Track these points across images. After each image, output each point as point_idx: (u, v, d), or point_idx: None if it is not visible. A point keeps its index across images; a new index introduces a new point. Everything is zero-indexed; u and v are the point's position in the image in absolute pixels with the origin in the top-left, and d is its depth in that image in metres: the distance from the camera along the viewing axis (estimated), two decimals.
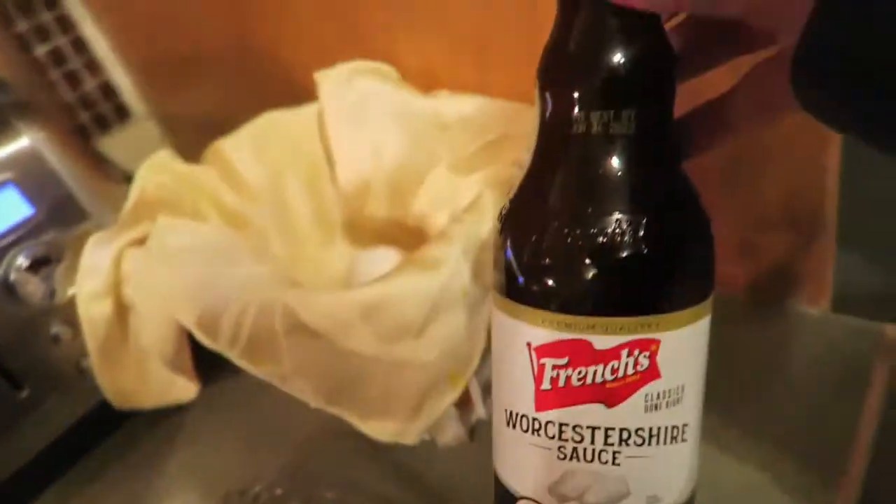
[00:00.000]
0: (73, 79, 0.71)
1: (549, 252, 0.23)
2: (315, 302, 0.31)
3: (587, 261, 0.22)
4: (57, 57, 0.69)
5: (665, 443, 0.24)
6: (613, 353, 0.23)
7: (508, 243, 0.24)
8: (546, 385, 0.24)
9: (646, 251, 0.22)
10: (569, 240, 0.23)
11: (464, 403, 0.38)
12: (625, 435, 0.24)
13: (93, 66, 0.72)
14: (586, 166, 0.23)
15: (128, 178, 0.47)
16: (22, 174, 0.42)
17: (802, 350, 0.40)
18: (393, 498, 0.38)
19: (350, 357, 0.32)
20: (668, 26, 0.24)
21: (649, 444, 0.24)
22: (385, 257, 0.47)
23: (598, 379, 0.23)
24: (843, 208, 0.39)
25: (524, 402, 0.25)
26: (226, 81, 0.65)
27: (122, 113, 0.73)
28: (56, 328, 0.43)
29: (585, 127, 0.23)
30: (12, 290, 0.41)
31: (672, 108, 0.24)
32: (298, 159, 0.51)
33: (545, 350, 0.24)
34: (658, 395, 0.24)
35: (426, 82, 0.47)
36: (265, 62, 0.60)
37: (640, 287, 0.23)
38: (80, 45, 0.71)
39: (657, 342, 0.23)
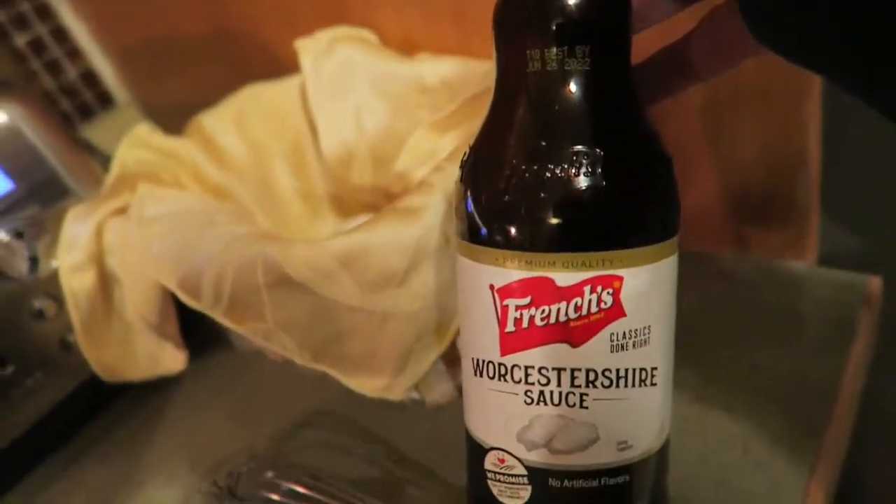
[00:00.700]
0: (54, 68, 0.70)
1: (507, 190, 0.23)
2: (295, 252, 0.31)
3: (544, 196, 0.22)
4: (37, 46, 0.69)
5: (633, 385, 0.24)
6: (576, 289, 0.23)
7: (469, 187, 0.24)
8: (510, 327, 0.24)
9: (605, 184, 0.22)
10: (526, 176, 0.23)
11: (452, 362, 0.38)
12: (591, 376, 0.24)
13: (73, 54, 0.71)
14: (543, 103, 0.23)
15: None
16: (0, 149, 0.41)
17: (788, 304, 0.40)
18: (383, 464, 0.37)
19: (334, 309, 0.31)
20: None
21: (617, 385, 0.24)
22: None
23: (562, 318, 0.23)
24: (827, 160, 0.39)
25: (489, 349, 0.25)
26: (207, 65, 0.65)
27: (104, 100, 0.73)
28: (39, 303, 0.42)
29: (541, 64, 0.23)
30: None
31: (628, 44, 0.24)
32: (281, 134, 0.51)
33: (508, 291, 0.24)
34: (624, 334, 0.23)
35: (406, 50, 0.47)
36: (245, 42, 0.59)
37: (600, 222, 0.23)
38: (60, 33, 0.70)
39: (620, 279, 0.23)
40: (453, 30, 0.46)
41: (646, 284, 0.23)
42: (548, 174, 0.22)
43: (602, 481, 0.25)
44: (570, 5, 0.22)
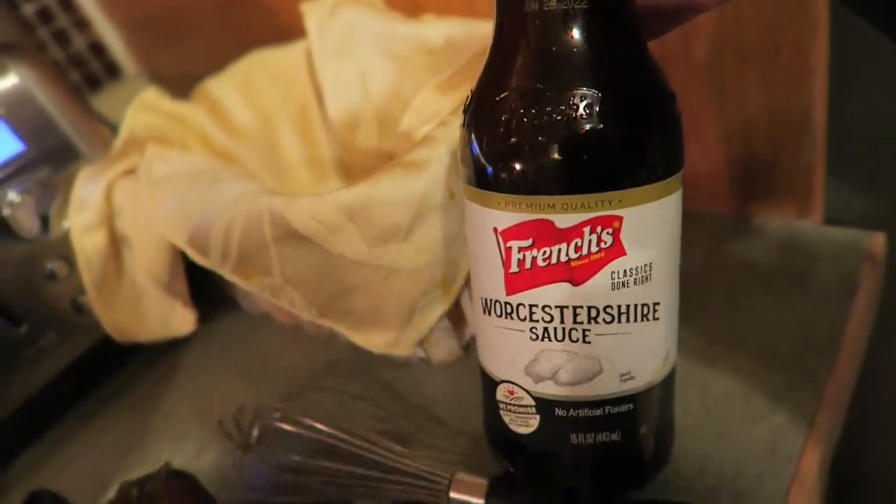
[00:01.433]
0: (61, 38, 0.70)
1: (506, 134, 0.23)
2: (301, 206, 0.31)
3: (542, 139, 0.22)
4: (45, 16, 0.69)
5: (636, 320, 0.25)
6: (576, 231, 0.23)
7: (472, 132, 0.25)
8: (514, 268, 0.25)
9: (601, 127, 0.22)
10: (524, 119, 0.23)
11: (458, 321, 0.38)
12: (593, 313, 0.24)
13: (81, 24, 0.71)
14: (540, 44, 0.23)
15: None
16: (11, 111, 0.42)
17: (792, 263, 0.40)
18: (391, 414, 0.38)
19: (340, 264, 0.32)
20: None
21: (619, 321, 0.24)
22: None
23: (563, 258, 0.24)
24: (832, 119, 0.39)
25: (496, 288, 0.26)
26: (214, 34, 0.65)
27: (112, 71, 0.73)
28: (51, 265, 0.43)
29: (538, 4, 0.22)
30: (6, 226, 0.41)
31: None
32: (287, 100, 0.51)
33: (510, 233, 0.24)
34: (624, 272, 0.24)
35: (411, 12, 0.47)
36: (252, 10, 0.59)
37: (597, 163, 0.23)
38: (67, 3, 0.70)
39: (620, 219, 0.23)
40: None
41: (646, 223, 0.23)
42: (545, 117, 0.22)
43: (606, 410, 0.26)
44: None
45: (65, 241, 0.43)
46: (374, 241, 0.31)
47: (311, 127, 0.52)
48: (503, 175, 0.24)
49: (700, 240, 0.43)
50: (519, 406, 0.27)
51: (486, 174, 0.24)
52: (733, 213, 0.44)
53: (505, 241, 0.24)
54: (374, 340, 0.35)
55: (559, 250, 0.24)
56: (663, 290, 0.25)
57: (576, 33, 0.22)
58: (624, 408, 0.26)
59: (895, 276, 0.40)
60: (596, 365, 0.25)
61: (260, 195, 0.33)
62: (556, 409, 0.26)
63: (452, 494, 0.29)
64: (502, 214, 0.24)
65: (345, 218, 0.31)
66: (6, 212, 0.41)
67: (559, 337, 0.25)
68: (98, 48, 0.73)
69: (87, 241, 0.41)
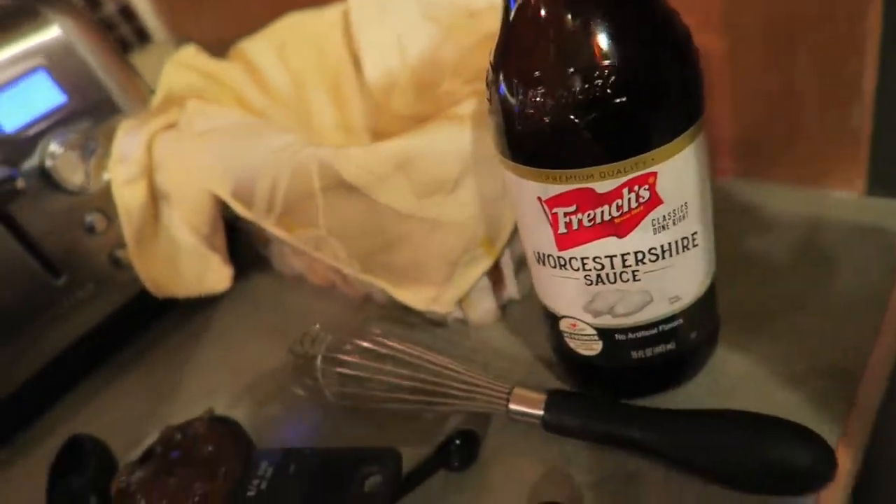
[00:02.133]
0: (92, 1, 0.70)
1: (539, 115, 0.24)
2: (350, 155, 0.31)
3: (573, 117, 0.23)
4: None
5: (678, 252, 0.26)
6: (616, 193, 0.25)
7: (504, 114, 0.25)
8: (562, 230, 0.26)
9: (629, 97, 0.23)
10: (555, 100, 0.23)
11: (497, 281, 0.38)
12: (639, 256, 0.26)
13: None
14: (560, 19, 0.23)
15: None
16: (53, 62, 0.42)
17: (835, 233, 0.40)
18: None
19: (385, 216, 0.32)
20: None
21: (663, 258, 0.26)
22: None
23: (606, 217, 0.25)
24: (882, 84, 0.39)
25: (547, 245, 0.27)
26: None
27: (142, 36, 0.73)
28: (90, 217, 0.43)
29: None
30: (48, 177, 0.41)
31: None
32: (322, 66, 0.51)
33: (554, 202, 0.26)
34: (663, 217, 0.25)
35: None
36: None
37: (629, 132, 0.24)
38: None
39: (654, 174, 0.24)
40: None
41: (679, 172, 0.25)
42: (573, 95, 0.23)
43: (660, 328, 0.29)
44: None
45: (103, 195, 0.43)
46: (421, 193, 0.31)
47: (345, 93, 0.52)
48: (539, 153, 0.25)
49: (740, 208, 0.43)
50: (582, 335, 0.29)
51: (523, 152, 0.25)
52: (776, 180, 0.44)
53: (550, 209, 0.26)
54: (414, 296, 0.35)
55: (602, 212, 0.25)
56: (699, 219, 0.26)
57: (594, 6, 0.22)
58: (675, 323, 0.28)
59: None
60: (647, 296, 0.27)
61: (305, 146, 0.33)
62: (616, 335, 0.29)
63: (512, 406, 0.30)
64: (544, 186, 0.25)
65: (393, 168, 0.31)
66: (49, 163, 0.41)
67: (611, 280, 0.27)
68: (128, 12, 0.73)
69: (127, 193, 0.41)
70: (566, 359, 0.32)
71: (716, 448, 0.27)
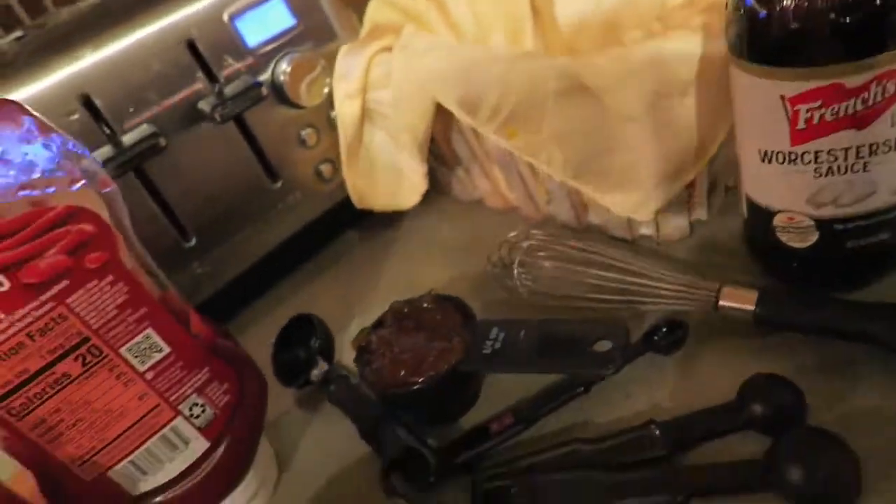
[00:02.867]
0: None
1: (796, 15, 0.26)
2: (589, 59, 0.34)
3: (832, 15, 0.26)
4: None
5: None
6: (864, 87, 0.27)
7: (747, 14, 0.28)
8: (801, 125, 0.28)
9: None
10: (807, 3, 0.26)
11: (690, 197, 0.41)
12: (874, 147, 0.28)
13: None
14: None
15: None
16: None
17: None
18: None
19: (611, 119, 0.35)
20: None
21: (895, 149, 0.28)
22: None
23: (850, 111, 0.27)
24: None
25: (779, 142, 0.29)
26: None
27: None
28: (304, 132, 0.49)
29: None
30: (279, 90, 0.46)
31: None
32: (506, 13, 0.55)
33: (799, 98, 0.28)
34: None
35: None
36: None
37: (884, 27, 0.26)
38: None
39: None
40: None
41: None
42: None
43: (878, 219, 0.30)
44: None
45: (317, 112, 0.48)
46: (650, 98, 0.34)
47: (521, 39, 0.55)
48: (794, 51, 0.27)
49: None
50: (799, 227, 0.32)
51: (774, 51, 0.28)
52: None
53: (793, 106, 0.28)
54: (620, 202, 0.38)
55: (847, 105, 0.27)
56: None
57: None
58: (893, 214, 0.30)
59: None
60: (872, 187, 0.30)
61: (539, 56, 0.36)
62: (835, 225, 0.31)
63: (722, 302, 0.33)
64: (792, 84, 0.28)
65: (630, 73, 0.34)
66: (280, 78, 0.46)
67: (842, 171, 0.29)
68: None
69: (346, 106, 0.46)
70: (773, 255, 0.34)
71: None
